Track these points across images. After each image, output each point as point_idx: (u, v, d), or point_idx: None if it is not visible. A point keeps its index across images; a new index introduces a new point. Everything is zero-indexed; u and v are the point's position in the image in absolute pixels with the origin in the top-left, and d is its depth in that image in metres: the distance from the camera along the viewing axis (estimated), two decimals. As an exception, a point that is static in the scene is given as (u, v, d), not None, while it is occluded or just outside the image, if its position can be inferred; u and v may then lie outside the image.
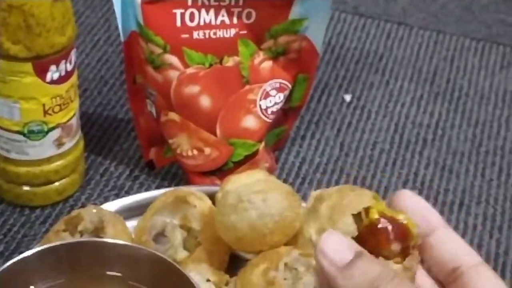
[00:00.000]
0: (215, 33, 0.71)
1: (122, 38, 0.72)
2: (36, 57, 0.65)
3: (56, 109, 0.68)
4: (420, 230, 0.46)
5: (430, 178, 0.79)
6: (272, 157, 0.77)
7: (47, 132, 0.69)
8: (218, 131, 0.73)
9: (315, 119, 0.84)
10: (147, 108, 0.75)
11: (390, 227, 0.45)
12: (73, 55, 0.68)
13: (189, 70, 0.71)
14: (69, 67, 0.68)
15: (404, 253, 0.45)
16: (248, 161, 0.74)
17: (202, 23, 0.71)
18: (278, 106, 0.74)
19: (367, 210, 0.46)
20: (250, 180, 0.64)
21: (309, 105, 0.85)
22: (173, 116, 0.72)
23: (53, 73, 0.67)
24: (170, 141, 0.73)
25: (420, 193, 0.77)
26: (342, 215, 0.52)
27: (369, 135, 0.83)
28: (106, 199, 0.73)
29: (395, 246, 0.45)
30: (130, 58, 0.73)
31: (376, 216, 0.45)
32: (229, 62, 0.72)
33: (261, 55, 0.73)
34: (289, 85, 0.74)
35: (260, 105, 0.73)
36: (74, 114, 0.70)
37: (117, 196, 0.74)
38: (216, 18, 0.71)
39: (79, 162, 0.74)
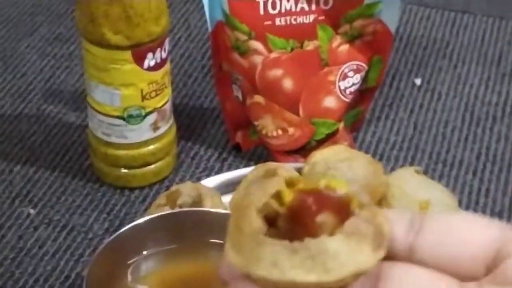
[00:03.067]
0: (295, 19, 0.76)
1: (209, 28, 0.78)
2: (135, 45, 0.71)
3: (153, 94, 0.74)
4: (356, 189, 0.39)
5: (502, 152, 0.83)
6: (350, 136, 0.82)
7: (144, 116, 0.74)
8: (300, 112, 0.78)
9: (388, 102, 0.89)
10: (233, 93, 0.80)
11: (309, 200, 0.37)
12: (167, 44, 0.74)
13: (273, 55, 0.77)
14: (164, 55, 0.74)
15: (344, 220, 0.37)
16: (329, 139, 0.79)
17: (283, 10, 0.76)
18: (356, 87, 0.79)
19: (278, 196, 0.38)
20: (334, 152, 0.68)
21: (381, 89, 0.89)
22: (258, 98, 0.78)
23: (150, 61, 0.72)
24: (256, 123, 0.79)
25: (493, 165, 0.81)
26: (244, 216, 0.39)
27: (441, 114, 0.87)
28: (199, 180, 0.78)
29: (324, 217, 0.37)
30: (216, 47, 0.79)
31: (289, 197, 0.38)
32: (309, 46, 0.77)
33: (338, 39, 0.78)
34: (365, 66, 0.79)
35: (339, 86, 0.78)
36: (168, 99, 0.76)
37: (208, 176, 0.79)
38: (296, 5, 0.76)
39: (173, 146, 0.79)
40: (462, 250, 0.38)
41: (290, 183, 0.39)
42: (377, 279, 0.37)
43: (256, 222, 0.37)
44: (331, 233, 0.36)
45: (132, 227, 0.62)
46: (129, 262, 0.62)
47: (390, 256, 0.38)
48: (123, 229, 0.62)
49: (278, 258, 0.35)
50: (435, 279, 0.37)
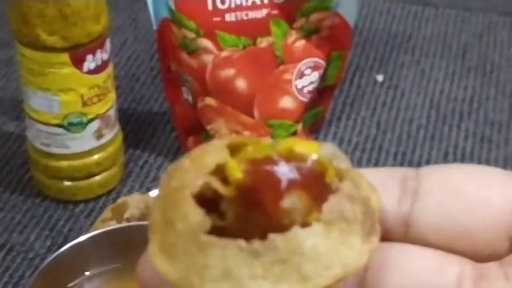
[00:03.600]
0: (246, 15, 0.71)
1: (154, 26, 0.72)
2: (73, 46, 0.65)
3: (95, 99, 0.68)
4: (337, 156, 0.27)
5: (470, 150, 0.78)
6: (310, 138, 0.77)
7: (86, 124, 0.69)
8: (255, 113, 0.73)
9: (349, 101, 0.84)
10: (183, 96, 0.75)
11: (269, 174, 0.26)
12: (108, 44, 0.68)
13: (224, 53, 0.71)
14: (105, 57, 0.68)
15: (320, 201, 0.27)
16: (287, 142, 0.74)
17: (233, 5, 0.71)
18: (314, 85, 0.74)
19: (218, 171, 0.27)
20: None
21: (342, 87, 0.84)
22: (210, 101, 0.72)
23: (89, 63, 0.67)
24: (208, 127, 0.73)
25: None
26: (175, 205, 0.27)
27: (405, 112, 0.82)
28: (148, 190, 0.73)
29: (293, 199, 0.26)
30: (163, 46, 0.73)
31: (237, 173, 0.27)
32: (263, 43, 0.72)
33: (293, 35, 0.73)
34: (323, 63, 0.74)
35: (296, 85, 0.73)
36: (112, 105, 0.71)
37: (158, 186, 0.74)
38: (247, -1, 0.71)
39: (119, 154, 0.74)
40: (476, 217, 0.28)
41: (233, 150, 0.27)
42: (365, 270, 0.29)
43: (194, 215, 0.26)
44: (305, 222, 0.26)
45: (72, 246, 0.57)
46: (70, 284, 0.58)
47: (382, 235, 0.28)
48: (62, 249, 0.57)
49: (231, 266, 0.25)
50: (443, 262, 0.28)
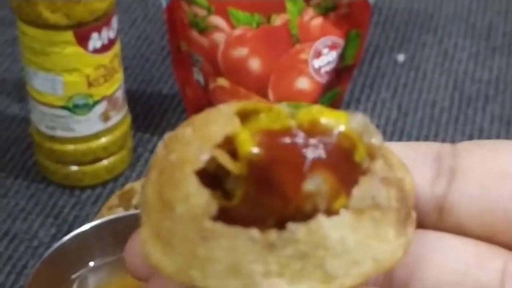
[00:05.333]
0: (261, -9, 0.68)
1: (163, 4, 0.69)
2: (77, 24, 0.62)
3: (101, 80, 0.65)
4: (372, 135, 0.23)
5: (496, 134, 0.74)
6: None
7: (92, 106, 0.66)
8: (270, 95, 0.69)
9: (369, 82, 0.80)
10: (194, 77, 0.71)
11: (288, 149, 0.22)
12: (114, 22, 0.65)
13: (236, 32, 0.68)
14: (112, 35, 0.65)
15: (348, 184, 0.23)
16: (303, 125, 0.70)
17: (246, -20, 0.67)
18: (331, 66, 0.71)
19: (226, 143, 0.23)
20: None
21: (361, 68, 0.81)
22: (222, 82, 0.69)
23: (95, 42, 0.63)
24: (221, 109, 0.70)
25: (487, 149, 0.73)
26: (174, 183, 0.23)
27: (427, 94, 0.79)
28: (158, 175, 0.70)
29: (317, 181, 0.22)
30: (173, 25, 0.70)
31: (250, 147, 0.22)
32: (277, 21, 0.68)
33: (310, 12, 0.69)
34: (341, 43, 0.71)
35: (312, 65, 0.70)
36: (119, 86, 0.67)
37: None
38: (261, -26, 0.68)
39: (127, 138, 0.70)
40: None
41: (243, 118, 0.23)
42: None
43: (198, 197, 0.22)
44: (329, 209, 0.22)
45: (76, 235, 0.54)
46: (73, 276, 0.55)
47: None
48: (65, 239, 0.54)
49: (240, 260, 0.21)
50: (484, 256, 0.24)
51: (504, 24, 0.87)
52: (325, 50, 0.70)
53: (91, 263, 0.55)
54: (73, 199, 0.69)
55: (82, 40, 0.63)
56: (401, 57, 0.83)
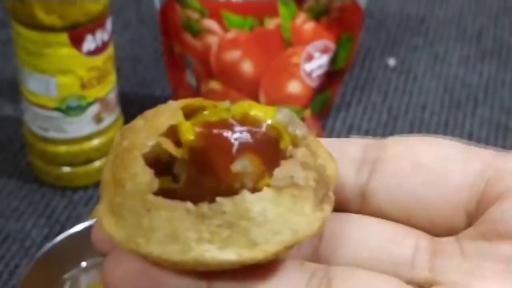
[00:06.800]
0: (253, -6, 0.68)
1: (157, 6, 0.69)
2: (72, 26, 0.63)
3: (94, 82, 0.65)
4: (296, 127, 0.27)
5: (486, 137, 0.75)
6: (318, 124, 0.74)
7: (85, 107, 0.66)
8: (261, 98, 0.70)
9: (360, 85, 0.81)
10: (186, 79, 0.72)
11: (220, 137, 0.26)
12: (109, 24, 0.65)
13: (229, 35, 0.68)
14: (106, 37, 0.65)
15: (272, 167, 0.26)
16: (294, 128, 0.71)
17: (240, -16, 0.68)
18: (323, 69, 0.71)
19: (171, 133, 0.27)
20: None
21: (352, 71, 0.81)
22: (214, 84, 0.70)
23: (89, 43, 0.64)
24: (213, 111, 0.70)
25: (476, 152, 0.74)
26: (124, 165, 0.27)
27: (418, 98, 0.79)
28: (150, 177, 0.70)
29: (244, 163, 0.26)
30: (166, 27, 0.70)
31: (190, 135, 0.26)
32: (270, 24, 0.69)
33: (302, 16, 0.70)
34: (333, 46, 0.71)
35: (304, 68, 0.70)
36: (112, 88, 0.68)
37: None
38: (254, -22, 0.68)
39: (120, 139, 0.71)
40: (434, 190, 0.28)
41: (189, 113, 0.27)
42: (319, 239, 0.28)
43: (143, 175, 0.25)
44: (255, 187, 0.26)
45: (68, 236, 0.55)
46: (65, 276, 0.55)
47: (338, 205, 0.28)
48: (57, 239, 0.55)
49: (178, 228, 0.25)
50: (398, 235, 0.28)
51: (495, 28, 0.88)
52: (317, 54, 0.71)
53: (83, 263, 0.56)
54: (65, 199, 0.69)
55: (76, 42, 0.63)
56: (392, 61, 0.83)
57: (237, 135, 0.26)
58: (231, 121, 0.26)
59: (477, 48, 0.85)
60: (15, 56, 0.65)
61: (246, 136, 0.26)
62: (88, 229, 0.56)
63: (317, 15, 0.70)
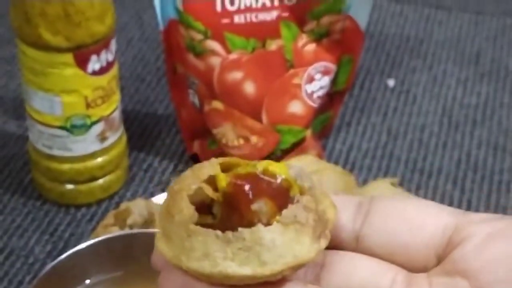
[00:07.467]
0: (256, 16, 0.69)
1: (161, 27, 0.70)
2: (77, 47, 0.63)
3: (99, 101, 0.66)
4: (300, 174, 0.35)
5: (483, 158, 0.76)
6: (319, 144, 0.75)
7: (90, 126, 0.67)
8: (263, 118, 0.71)
9: (360, 106, 0.82)
10: (189, 99, 0.73)
11: (245, 185, 0.34)
12: (113, 45, 0.66)
13: (232, 56, 0.69)
14: (110, 57, 0.66)
15: (283, 209, 0.35)
16: (296, 148, 0.72)
17: (242, 6, 0.69)
18: (324, 90, 0.72)
19: (211, 181, 0.35)
20: (301, 163, 0.62)
21: (352, 92, 0.82)
22: (217, 104, 0.70)
23: (94, 64, 0.65)
24: (215, 131, 0.71)
25: (474, 173, 0.74)
26: (175, 202, 0.35)
27: (417, 118, 0.80)
28: (152, 195, 0.71)
29: (260, 205, 0.34)
30: (169, 47, 0.71)
31: (224, 182, 0.35)
32: (272, 45, 0.70)
33: (304, 38, 0.71)
34: (334, 68, 0.72)
35: (305, 89, 0.71)
36: (116, 107, 0.69)
37: (163, 191, 0.72)
38: (256, 1, 0.69)
39: (123, 158, 0.72)
40: (412, 237, 0.36)
41: (226, 168, 0.36)
42: (321, 268, 0.36)
43: (187, 209, 0.34)
44: (268, 222, 0.34)
45: (71, 254, 0.56)
46: (69, 293, 0.56)
47: (337, 245, 0.36)
48: (62, 256, 0.55)
49: (209, 249, 0.33)
50: (382, 270, 0.35)
51: (493, 50, 0.89)
52: (318, 75, 0.71)
53: (87, 281, 0.56)
54: (68, 217, 0.70)
55: (82, 62, 0.64)
56: (391, 82, 0.84)
57: (257, 185, 0.35)
58: (255, 174, 0.35)
59: (475, 69, 0.86)
60: (20, 74, 0.66)
61: (264, 185, 0.35)
62: (91, 247, 0.56)
63: (318, 37, 0.71)
